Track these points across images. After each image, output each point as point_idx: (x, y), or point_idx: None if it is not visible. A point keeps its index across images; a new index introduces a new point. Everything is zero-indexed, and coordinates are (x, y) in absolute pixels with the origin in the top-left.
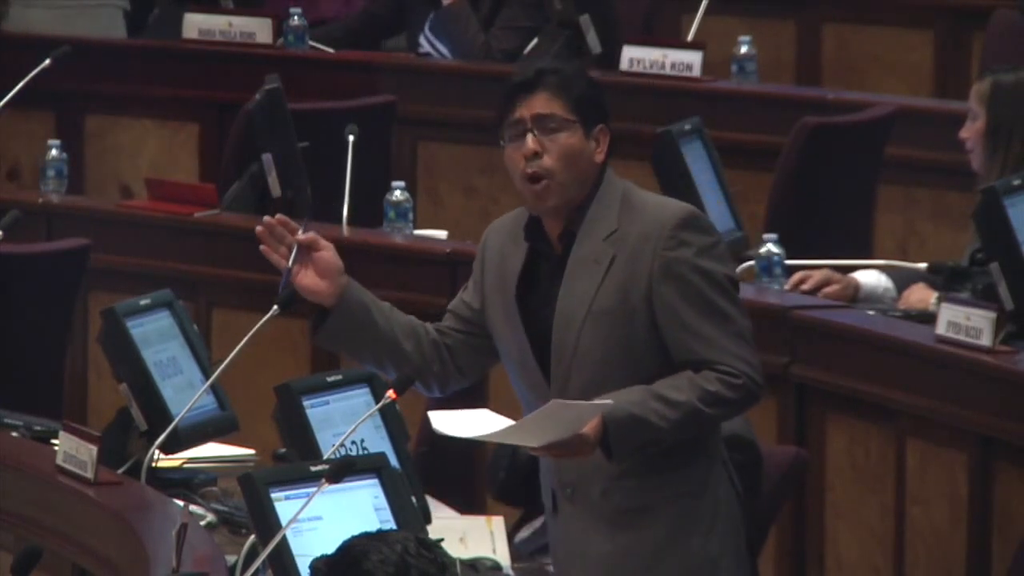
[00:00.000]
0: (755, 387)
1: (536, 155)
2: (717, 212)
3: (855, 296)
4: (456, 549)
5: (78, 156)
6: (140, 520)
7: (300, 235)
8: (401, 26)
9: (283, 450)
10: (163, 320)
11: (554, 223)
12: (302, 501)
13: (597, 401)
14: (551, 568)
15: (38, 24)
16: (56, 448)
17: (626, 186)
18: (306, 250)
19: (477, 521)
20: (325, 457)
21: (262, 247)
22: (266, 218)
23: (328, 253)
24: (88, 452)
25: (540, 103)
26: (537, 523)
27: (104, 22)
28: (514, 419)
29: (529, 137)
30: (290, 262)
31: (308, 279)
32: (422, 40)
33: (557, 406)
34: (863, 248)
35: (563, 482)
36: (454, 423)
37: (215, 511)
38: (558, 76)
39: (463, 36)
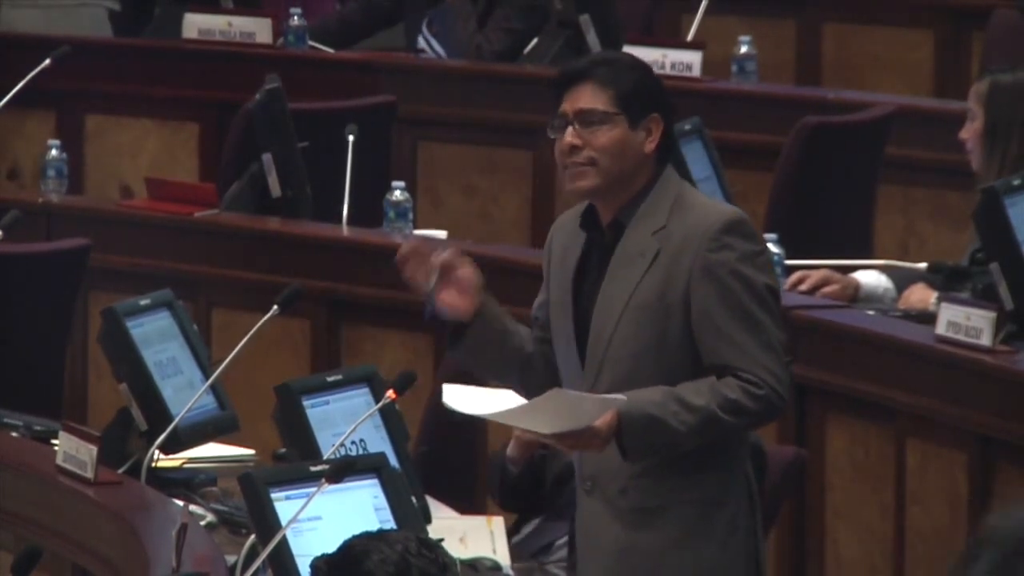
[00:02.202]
0: (777, 400)
1: (575, 148)
2: None
3: (855, 296)
4: (456, 549)
5: (78, 156)
6: (140, 520)
7: (439, 256)
8: (398, 16)
9: (283, 450)
10: (163, 320)
11: (607, 213)
12: (302, 501)
13: (608, 396)
14: (551, 568)
15: (22, 24)
16: (56, 448)
17: (683, 187)
18: (447, 270)
19: (477, 521)
20: (325, 457)
21: (405, 273)
22: (404, 246)
23: (468, 271)
24: (88, 452)
25: (585, 96)
26: (536, 523)
27: (86, 23)
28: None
29: (569, 130)
30: (431, 284)
31: (449, 297)
32: (420, 40)
33: (557, 394)
34: (863, 248)
35: (583, 475)
36: (465, 399)
37: (215, 511)
38: (608, 67)
39: (460, 35)
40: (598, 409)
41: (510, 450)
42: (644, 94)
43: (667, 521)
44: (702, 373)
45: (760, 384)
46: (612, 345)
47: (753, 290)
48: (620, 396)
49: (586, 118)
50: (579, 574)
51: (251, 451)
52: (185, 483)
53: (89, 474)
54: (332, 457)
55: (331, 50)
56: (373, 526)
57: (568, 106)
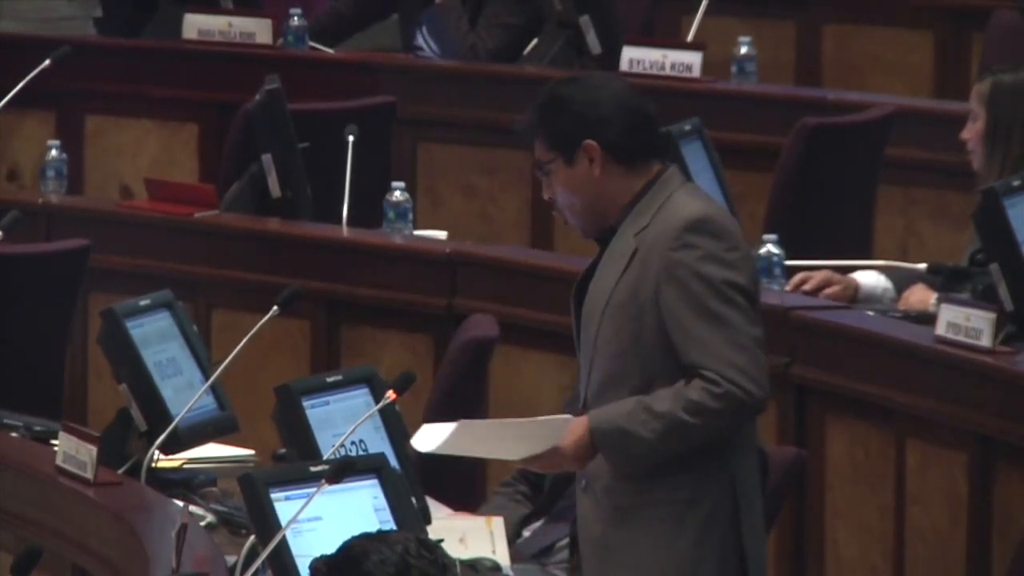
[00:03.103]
0: (744, 395)
1: (550, 199)
2: None
3: (855, 297)
4: (456, 549)
5: (78, 156)
6: (140, 520)
7: None
8: (390, 9)
9: (283, 450)
10: (163, 321)
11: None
12: (302, 501)
13: (551, 417)
14: (552, 569)
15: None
16: (56, 448)
17: (680, 188)
18: None
19: (477, 521)
20: (325, 457)
21: None
22: None
23: None
24: (88, 452)
25: (536, 148)
26: (537, 525)
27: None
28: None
29: (543, 184)
30: None
31: None
32: (419, 40)
33: (466, 426)
34: (863, 248)
35: (580, 474)
36: (436, 440)
37: (215, 511)
38: (537, 114)
39: (453, 35)
40: (547, 429)
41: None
42: (568, 127)
43: (641, 520)
44: (680, 371)
45: (719, 381)
46: (598, 345)
47: (715, 288)
48: (567, 416)
49: (540, 169)
50: (581, 571)
51: (251, 452)
52: (185, 483)
53: (89, 474)
54: (332, 457)
55: (331, 50)
56: (373, 527)
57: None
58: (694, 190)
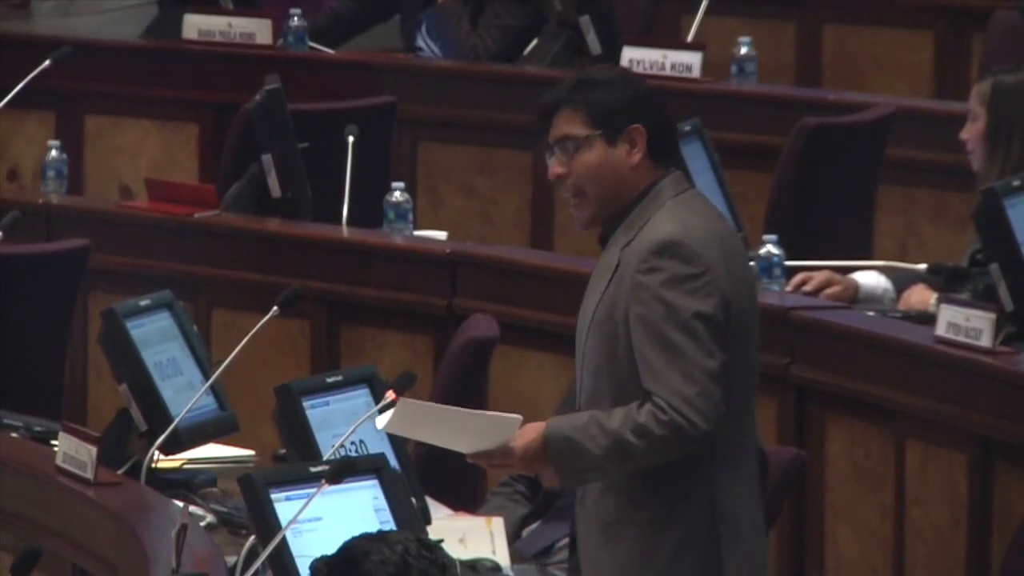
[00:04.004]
0: (688, 426)
1: (561, 176)
2: None
3: (855, 297)
4: (456, 549)
5: (78, 156)
6: (140, 520)
7: None
8: (392, 11)
9: (283, 451)
10: (163, 321)
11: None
12: (302, 502)
13: (501, 414)
14: (552, 569)
15: (82, 30)
16: (56, 448)
17: (673, 201)
18: None
19: (477, 521)
20: (325, 458)
21: None
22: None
23: None
24: (88, 452)
25: (562, 124)
26: (537, 525)
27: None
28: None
29: (553, 161)
30: None
31: None
32: (419, 41)
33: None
34: (863, 249)
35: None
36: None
37: (215, 512)
38: (579, 89)
39: (453, 36)
40: (495, 426)
41: None
42: (618, 108)
43: (620, 538)
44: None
45: (665, 409)
46: (585, 358)
47: (674, 315)
48: (515, 416)
49: (564, 146)
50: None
51: (251, 452)
52: (185, 484)
53: (89, 474)
54: (332, 458)
55: (331, 50)
56: (373, 527)
57: (551, 136)
58: (681, 206)
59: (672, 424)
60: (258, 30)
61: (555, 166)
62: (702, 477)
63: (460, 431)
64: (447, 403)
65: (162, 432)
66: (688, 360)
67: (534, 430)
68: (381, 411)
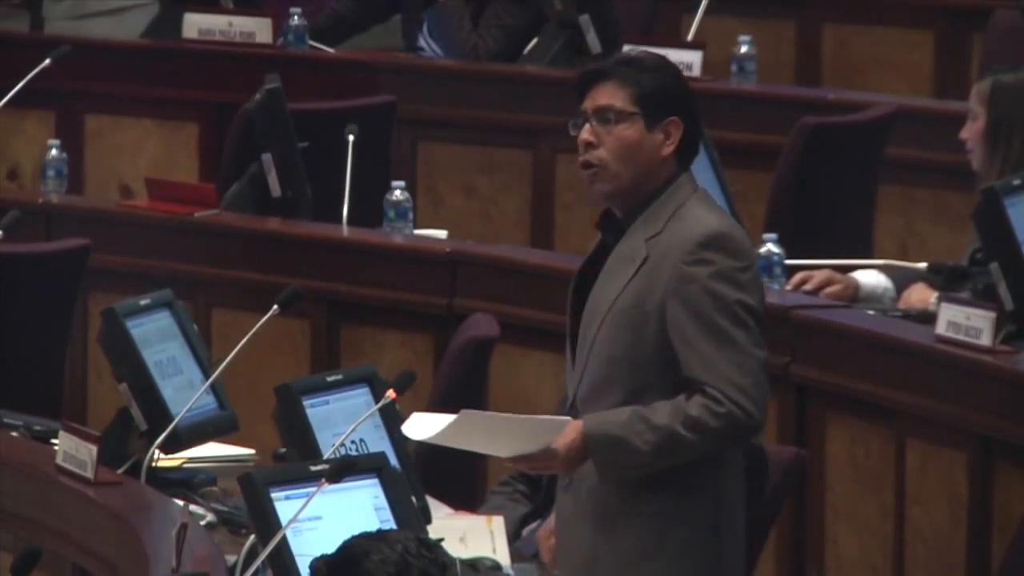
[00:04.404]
0: (744, 417)
1: (591, 145)
2: None
3: (855, 296)
4: (456, 549)
5: (78, 156)
6: (140, 520)
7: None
8: (392, 12)
9: (283, 450)
10: (163, 320)
11: (621, 214)
12: (302, 501)
13: (552, 417)
14: (551, 569)
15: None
16: (56, 448)
17: (694, 195)
18: None
19: (477, 521)
20: (325, 457)
21: None
22: None
23: None
24: (88, 452)
25: (605, 94)
26: (536, 525)
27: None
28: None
29: (586, 127)
30: None
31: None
32: (421, 41)
33: (467, 416)
34: (863, 248)
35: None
36: (427, 429)
37: (215, 511)
38: (631, 67)
39: (455, 35)
40: (543, 429)
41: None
42: (665, 96)
43: (623, 530)
44: (679, 383)
45: (722, 400)
46: (594, 348)
47: (725, 306)
48: (564, 417)
49: (603, 115)
50: (558, 563)
51: (251, 451)
52: (185, 483)
53: (89, 474)
54: (332, 457)
55: (331, 50)
56: (373, 526)
57: (589, 103)
58: (707, 201)
59: (729, 416)
60: (258, 29)
61: (586, 133)
62: (711, 475)
63: (507, 437)
64: (447, 403)
65: (162, 431)
66: (740, 350)
67: (573, 430)
68: (381, 410)
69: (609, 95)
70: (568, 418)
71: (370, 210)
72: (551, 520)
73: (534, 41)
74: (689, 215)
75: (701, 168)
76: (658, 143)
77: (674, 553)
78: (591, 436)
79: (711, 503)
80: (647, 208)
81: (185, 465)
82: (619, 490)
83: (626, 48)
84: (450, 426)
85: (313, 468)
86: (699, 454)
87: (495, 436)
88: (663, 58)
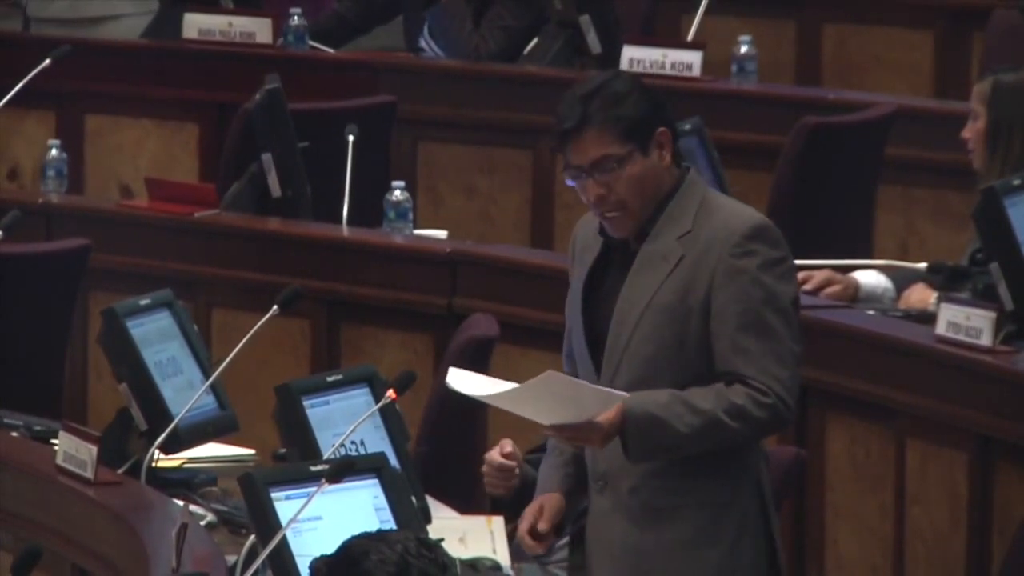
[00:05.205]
0: (784, 410)
1: (602, 197)
2: None
3: (855, 296)
4: (456, 549)
5: (78, 156)
6: (140, 520)
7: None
8: (394, 13)
9: (283, 450)
10: (163, 320)
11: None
12: (302, 501)
13: (609, 389)
14: (552, 569)
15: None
16: (56, 448)
17: (707, 191)
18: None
19: (477, 521)
20: (325, 457)
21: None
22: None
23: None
24: (88, 452)
25: (593, 145)
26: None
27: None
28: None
29: (590, 183)
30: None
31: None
32: (422, 42)
33: (555, 378)
34: (863, 248)
35: (595, 474)
36: (469, 383)
37: (215, 511)
38: (601, 104)
39: (456, 36)
40: (598, 401)
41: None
42: (644, 117)
43: (676, 522)
44: (716, 376)
45: (767, 392)
46: (631, 346)
47: (773, 299)
48: (622, 392)
49: (602, 167)
50: (589, 572)
51: (251, 451)
52: (185, 483)
53: (89, 474)
54: (332, 457)
55: (331, 50)
56: (373, 526)
57: (579, 159)
58: (718, 192)
59: (773, 408)
60: (258, 29)
61: (594, 188)
62: (750, 462)
63: (556, 402)
64: (447, 402)
65: (162, 431)
66: (782, 344)
67: (616, 407)
68: (381, 410)
69: (598, 144)
70: (624, 393)
71: (370, 210)
72: (537, 502)
73: (534, 41)
74: (719, 208)
75: (701, 167)
76: (658, 160)
77: (733, 539)
78: (631, 413)
79: (754, 487)
80: (666, 208)
81: (185, 465)
82: (666, 484)
83: (625, 49)
84: (529, 386)
85: (313, 468)
86: (736, 442)
87: (549, 400)
88: (618, 74)
